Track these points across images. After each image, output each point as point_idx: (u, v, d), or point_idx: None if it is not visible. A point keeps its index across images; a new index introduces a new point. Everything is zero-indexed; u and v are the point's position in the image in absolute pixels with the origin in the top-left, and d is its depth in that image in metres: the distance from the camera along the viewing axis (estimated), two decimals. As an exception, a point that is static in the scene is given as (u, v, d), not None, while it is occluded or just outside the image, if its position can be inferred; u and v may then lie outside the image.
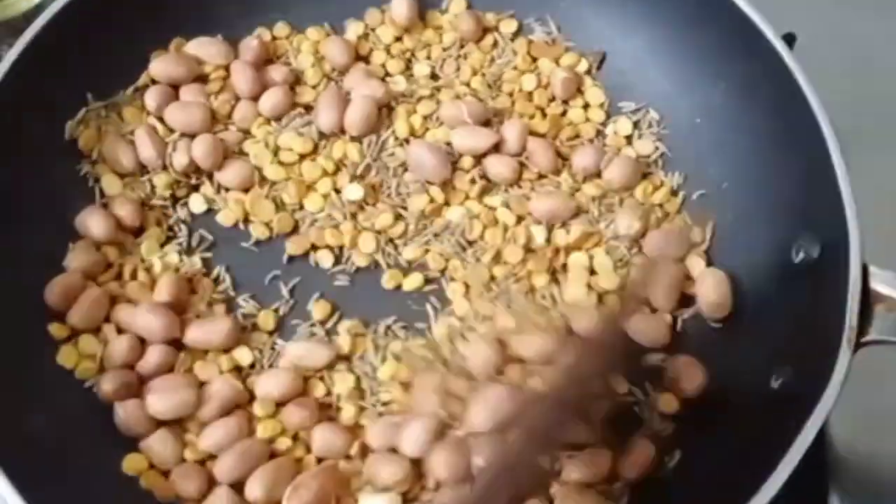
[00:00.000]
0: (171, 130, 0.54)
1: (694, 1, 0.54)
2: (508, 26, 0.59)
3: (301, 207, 0.53)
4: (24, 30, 0.61)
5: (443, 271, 0.52)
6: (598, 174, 0.54)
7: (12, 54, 0.50)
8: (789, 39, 0.55)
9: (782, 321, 0.48)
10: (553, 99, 0.56)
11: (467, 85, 0.56)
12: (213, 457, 0.46)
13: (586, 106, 0.57)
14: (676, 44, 0.56)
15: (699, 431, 0.48)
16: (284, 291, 0.51)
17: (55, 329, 0.48)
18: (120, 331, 0.49)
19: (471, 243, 0.52)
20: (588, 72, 0.58)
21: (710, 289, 0.50)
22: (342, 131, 0.54)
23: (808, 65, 0.50)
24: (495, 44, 0.58)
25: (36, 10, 0.64)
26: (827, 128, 0.48)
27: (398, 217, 0.53)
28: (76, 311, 0.48)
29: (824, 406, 0.42)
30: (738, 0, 0.51)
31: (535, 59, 0.58)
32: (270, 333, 0.50)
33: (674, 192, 0.55)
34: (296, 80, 0.56)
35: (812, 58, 0.51)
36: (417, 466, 0.45)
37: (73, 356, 0.48)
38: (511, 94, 0.56)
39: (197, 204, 0.53)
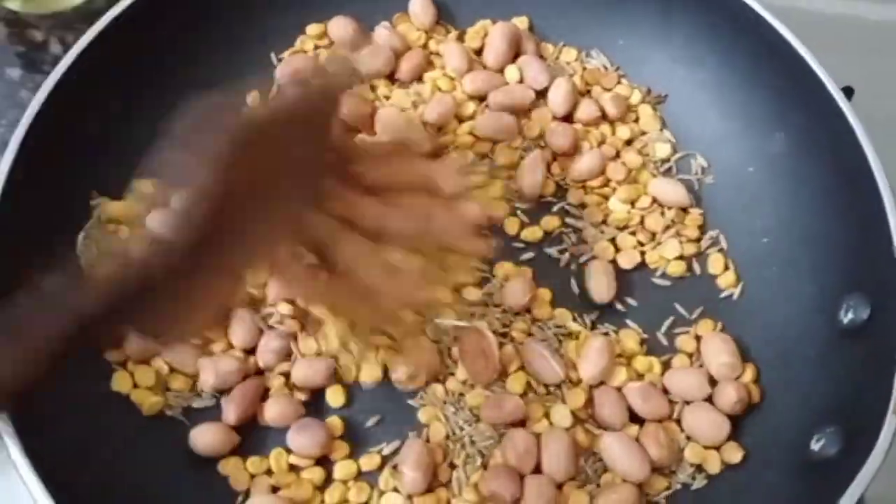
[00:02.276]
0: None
1: (756, 48, 0.54)
2: (568, 55, 0.59)
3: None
4: (73, 23, 0.63)
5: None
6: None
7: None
8: (847, 93, 0.55)
9: (826, 381, 0.48)
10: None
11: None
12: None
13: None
14: (736, 89, 0.56)
15: (735, 491, 0.48)
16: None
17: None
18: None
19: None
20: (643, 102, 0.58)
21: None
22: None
23: (865, 120, 0.50)
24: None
25: (87, 4, 0.65)
26: (884, 185, 0.48)
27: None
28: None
29: (866, 474, 0.42)
30: (802, 51, 0.51)
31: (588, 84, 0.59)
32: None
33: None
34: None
35: (869, 112, 0.51)
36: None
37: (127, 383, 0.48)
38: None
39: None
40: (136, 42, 0.53)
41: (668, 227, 0.54)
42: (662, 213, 0.54)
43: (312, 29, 0.58)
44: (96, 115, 0.52)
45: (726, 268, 0.53)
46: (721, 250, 0.54)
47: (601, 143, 0.56)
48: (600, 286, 0.51)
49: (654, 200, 0.55)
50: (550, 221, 0.54)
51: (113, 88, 0.53)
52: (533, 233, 0.54)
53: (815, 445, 0.46)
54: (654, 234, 0.54)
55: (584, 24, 0.59)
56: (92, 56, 0.51)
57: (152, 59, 0.54)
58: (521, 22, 0.59)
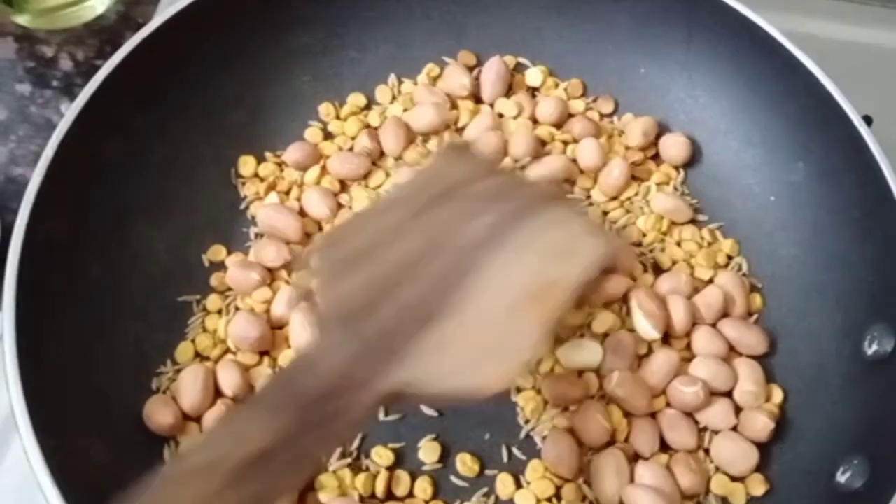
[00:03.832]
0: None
1: (777, 76, 0.55)
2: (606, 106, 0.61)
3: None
4: (83, 39, 0.63)
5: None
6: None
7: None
8: (866, 121, 0.57)
9: (852, 411, 0.49)
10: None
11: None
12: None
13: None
14: (758, 117, 0.57)
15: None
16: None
17: None
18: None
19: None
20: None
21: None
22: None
23: (884, 147, 0.51)
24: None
25: (98, 20, 0.66)
26: (906, 215, 0.49)
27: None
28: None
29: (894, 505, 0.43)
30: (823, 79, 0.53)
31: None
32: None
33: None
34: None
35: (887, 140, 0.52)
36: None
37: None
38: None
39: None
40: (164, 61, 0.54)
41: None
42: (701, 236, 0.56)
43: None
44: (122, 134, 0.52)
45: (752, 290, 0.55)
46: (745, 275, 0.55)
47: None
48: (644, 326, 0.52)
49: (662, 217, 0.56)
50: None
51: (139, 107, 0.53)
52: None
53: (841, 478, 0.47)
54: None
55: (606, 53, 0.60)
56: (121, 75, 0.51)
57: (179, 77, 0.55)
58: (574, 87, 0.61)
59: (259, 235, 0.55)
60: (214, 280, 0.53)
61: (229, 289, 0.53)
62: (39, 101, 0.64)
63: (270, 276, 0.53)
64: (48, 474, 0.41)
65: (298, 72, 0.60)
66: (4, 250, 0.54)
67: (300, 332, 0.50)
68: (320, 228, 0.55)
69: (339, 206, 0.56)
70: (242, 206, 0.57)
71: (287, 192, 0.56)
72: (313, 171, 0.56)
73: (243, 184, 0.57)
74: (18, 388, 0.43)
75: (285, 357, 0.51)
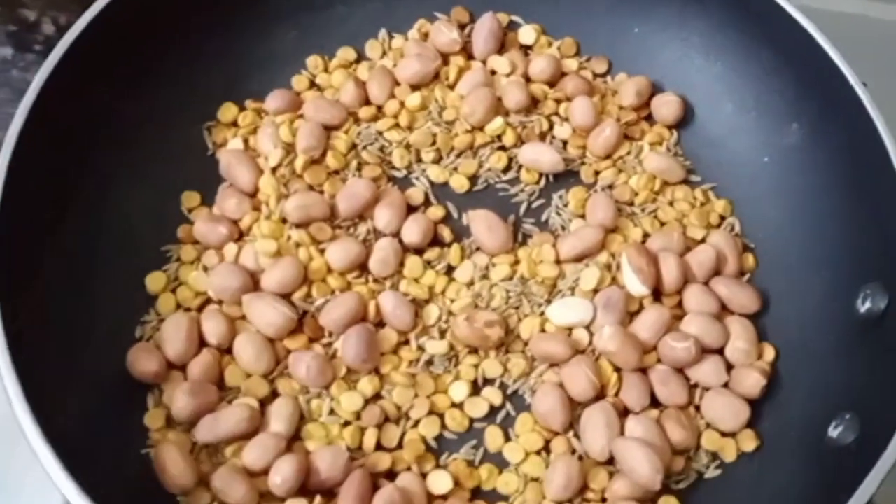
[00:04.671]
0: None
1: (773, 38, 0.56)
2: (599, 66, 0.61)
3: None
4: (66, 4, 0.63)
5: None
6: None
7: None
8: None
9: (844, 368, 0.49)
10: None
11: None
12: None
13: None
14: (752, 80, 0.57)
15: (749, 480, 0.49)
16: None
17: None
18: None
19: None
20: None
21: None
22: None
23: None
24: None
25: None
26: (903, 175, 0.49)
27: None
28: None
29: (885, 463, 0.43)
30: (821, 40, 0.53)
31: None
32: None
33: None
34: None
35: (880, 109, 0.53)
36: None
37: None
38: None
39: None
40: (135, 21, 0.53)
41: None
42: (694, 196, 0.56)
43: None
44: (104, 86, 0.52)
45: (744, 250, 0.55)
46: (738, 235, 0.55)
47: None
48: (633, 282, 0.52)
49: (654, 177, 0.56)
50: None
51: (121, 61, 0.53)
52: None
53: (833, 432, 0.47)
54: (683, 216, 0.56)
55: (600, 12, 0.60)
56: (91, 35, 0.51)
57: (152, 38, 0.55)
58: (567, 46, 0.61)
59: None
60: (181, 232, 0.53)
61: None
62: (21, 65, 0.64)
63: (238, 228, 0.53)
64: (29, 415, 0.41)
65: (285, 27, 0.59)
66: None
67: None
68: (273, 171, 0.54)
69: (289, 148, 0.55)
70: (209, 152, 0.56)
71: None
72: (285, 116, 0.56)
73: (209, 130, 0.57)
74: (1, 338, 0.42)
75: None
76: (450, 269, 0.54)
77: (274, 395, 0.49)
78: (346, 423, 0.48)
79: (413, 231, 0.53)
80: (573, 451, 0.49)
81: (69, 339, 0.47)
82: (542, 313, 0.52)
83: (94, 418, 0.46)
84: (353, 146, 0.56)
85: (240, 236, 0.53)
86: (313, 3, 0.60)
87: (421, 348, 0.51)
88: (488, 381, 0.51)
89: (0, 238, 0.45)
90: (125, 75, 0.53)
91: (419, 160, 0.57)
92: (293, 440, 0.48)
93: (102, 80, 0.52)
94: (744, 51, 0.58)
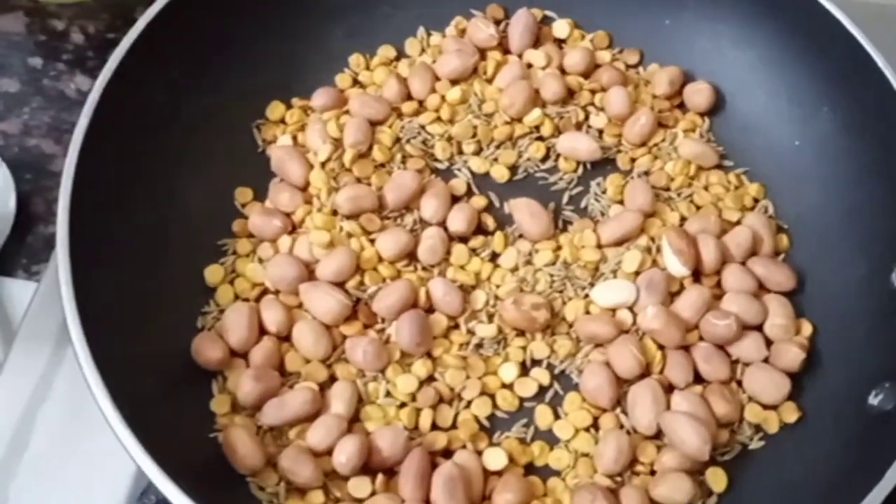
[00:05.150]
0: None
1: (803, 25, 0.57)
2: (632, 57, 0.63)
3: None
4: (95, 13, 0.65)
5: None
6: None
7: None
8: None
9: (881, 340, 0.51)
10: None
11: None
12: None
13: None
14: (784, 69, 0.59)
15: (793, 450, 0.50)
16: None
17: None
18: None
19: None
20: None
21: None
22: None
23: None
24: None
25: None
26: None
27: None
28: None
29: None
30: (853, 29, 0.55)
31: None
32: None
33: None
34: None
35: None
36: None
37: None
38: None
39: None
40: (187, 24, 0.55)
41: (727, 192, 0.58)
42: (728, 181, 0.58)
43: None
44: (161, 87, 0.54)
45: (778, 231, 0.57)
46: (771, 217, 0.57)
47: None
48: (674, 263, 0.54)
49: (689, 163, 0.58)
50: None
51: (175, 63, 0.55)
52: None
53: (874, 400, 0.49)
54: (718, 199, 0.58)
55: (631, 5, 0.63)
56: (147, 37, 0.53)
57: (203, 40, 0.57)
58: (600, 39, 0.63)
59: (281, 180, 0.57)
60: (236, 226, 0.55)
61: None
62: (52, 74, 0.65)
63: (291, 221, 0.55)
64: (109, 400, 0.43)
65: (331, 28, 0.61)
66: (20, 216, 0.57)
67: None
68: (323, 166, 0.56)
69: (337, 143, 0.57)
70: (260, 150, 0.58)
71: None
72: (332, 113, 0.58)
73: (258, 128, 0.59)
74: (78, 328, 0.45)
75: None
76: (494, 256, 0.55)
77: (332, 379, 0.51)
78: (402, 405, 0.50)
79: (458, 220, 0.55)
80: (621, 427, 0.51)
81: (138, 327, 0.49)
82: (587, 296, 0.54)
83: (164, 403, 0.48)
84: (398, 140, 0.58)
85: (293, 229, 0.55)
86: (361, 4, 0.62)
87: (471, 332, 0.53)
88: (536, 362, 0.53)
89: (71, 226, 0.47)
90: (180, 77, 0.56)
91: (460, 152, 0.59)
92: (353, 422, 0.50)
93: (158, 83, 0.54)
94: (774, 39, 0.60)
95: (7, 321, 0.56)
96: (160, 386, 0.49)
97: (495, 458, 0.49)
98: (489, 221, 0.56)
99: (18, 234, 0.59)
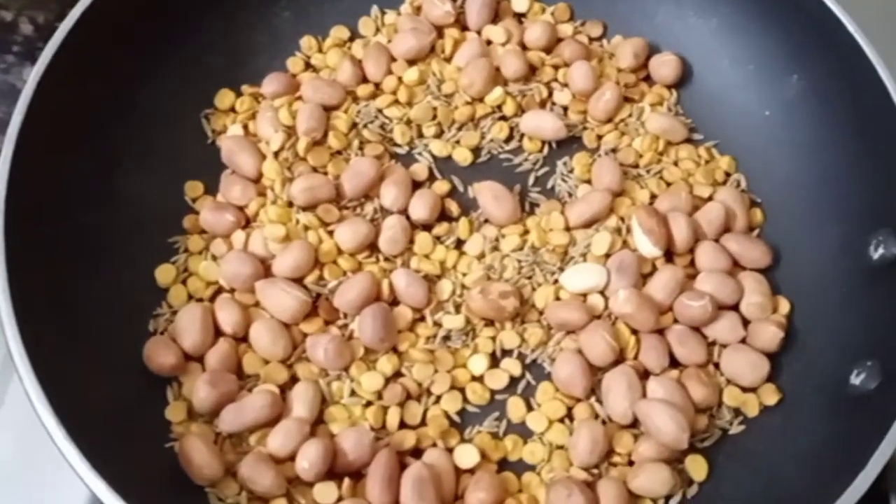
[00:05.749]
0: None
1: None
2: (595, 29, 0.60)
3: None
4: (44, 3, 0.62)
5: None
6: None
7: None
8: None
9: (861, 317, 0.49)
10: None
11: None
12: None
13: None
14: (749, 35, 0.57)
15: (773, 434, 0.49)
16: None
17: None
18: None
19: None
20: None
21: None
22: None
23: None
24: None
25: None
26: (909, 120, 0.49)
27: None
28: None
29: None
30: (818, -9, 0.53)
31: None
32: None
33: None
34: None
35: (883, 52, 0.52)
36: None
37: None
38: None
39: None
40: (124, 13, 0.52)
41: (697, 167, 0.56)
42: (698, 155, 0.56)
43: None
44: (100, 78, 0.51)
45: (752, 205, 0.55)
46: (744, 191, 0.55)
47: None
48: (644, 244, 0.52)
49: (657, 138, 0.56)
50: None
51: (116, 51, 0.52)
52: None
53: (856, 380, 0.47)
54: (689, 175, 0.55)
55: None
56: (82, 29, 0.50)
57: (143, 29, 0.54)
58: (561, 11, 0.60)
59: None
60: (187, 222, 0.53)
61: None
62: (1, 67, 0.62)
63: (244, 215, 0.52)
64: (53, 416, 0.40)
65: (280, 9, 0.59)
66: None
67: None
68: (276, 156, 0.53)
69: (290, 131, 0.54)
70: (209, 140, 0.55)
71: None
72: (284, 99, 0.55)
73: (207, 118, 0.56)
74: (17, 339, 0.42)
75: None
76: (459, 243, 0.53)
77: (293, 380, 0.49)
78: (368, 404, 0.48)
79: (420, 207, 0.53)
80: (596, 416, 0.49)
81: (84, 335, 0.47)
82: (556, 281, 0.52)
83: (115, 414, 0.46)
84: (354, 125, 0.55)
85: (247, 223, 0.52)
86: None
87: (437, 324, 0.51)
88: (506, 353, 0.51)
89: (6, 232, 0.44)
90: (119, 67, 0.53)
91: (420, 135, 0.56)
92: (316, 424, 0.47)
93: (96, 74, 0.51)
94: (738, 5, 0.57)
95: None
96: (111, 396, 0.46)
97: (467, 456, 0.47)
98: (453, 207, 0.54)
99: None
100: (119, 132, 0.52)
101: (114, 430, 0.45)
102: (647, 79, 0.59)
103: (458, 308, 0.51)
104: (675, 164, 0.56)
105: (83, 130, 0.51)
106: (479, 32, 0.59)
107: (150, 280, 0.51)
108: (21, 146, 0.46)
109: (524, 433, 0.49)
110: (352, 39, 0.59)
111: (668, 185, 0.55)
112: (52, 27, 0.62)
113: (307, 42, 0.58)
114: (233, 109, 0.56)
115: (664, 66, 0.58)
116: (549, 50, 0.59)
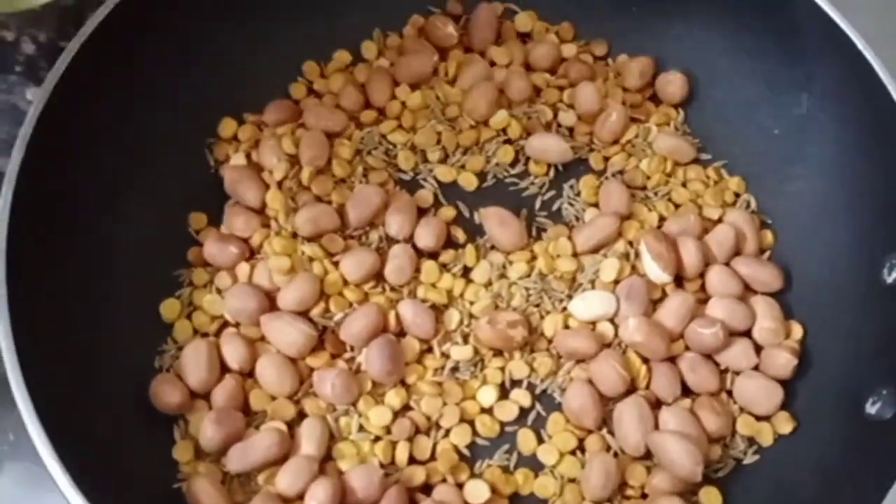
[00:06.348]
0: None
1: (775, 6, 0.54)
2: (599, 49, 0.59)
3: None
4: (45, 21, 0.61)
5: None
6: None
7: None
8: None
9: (876, 342, 0.48)
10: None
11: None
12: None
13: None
14: (757, 53, 0.56)
15: (788, 462, 0.48)
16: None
17: None
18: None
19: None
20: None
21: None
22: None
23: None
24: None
25: (56, 2, 0.63)
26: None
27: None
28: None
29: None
30: (823, 4, 0.51)
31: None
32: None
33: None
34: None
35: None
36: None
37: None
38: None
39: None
40: (125, 40, 0.51)
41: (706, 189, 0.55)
42: (707, 175, 0.55)
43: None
44: (101, 106, 0.50)
45: (762, 226, 0.54)
46: (754, 212, 0.54)
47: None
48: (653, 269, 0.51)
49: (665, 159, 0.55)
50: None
51: (116, 79, 0.51)
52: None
53: (871, 409, 0.46)
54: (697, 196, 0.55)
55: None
56: (84, 56, 0.49)
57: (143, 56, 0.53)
58: (565, 31, 0.60)
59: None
60: (191, 255, 0.52)
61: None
62: (3, 87, 0.61)
63: (248, 246, 0.51)
64: (55, 459, 0.40)
65: (282, 34, 0.57)
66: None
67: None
68: (279, 185, 0.52)
69: (294, 160, 0.53)
70: (212, 170, 0.54)
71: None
72: (286, 127, 0.54)
73: (210, 147, 0.55)
74: (19, 377, 0.41)
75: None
76: (466, 271, 0.52)
77: (301, 415, 0.48)
78: (377, 439, 0.48)
79: (426, 235, 0.52)
80: (608, 448, 0.48)
81: (88, 374, 0.46)
82: (565, 309, 0.51)
83: (122, 455, 0.45)
84: (358, 152, 0.55)
85: (251, 254, 0.51)
86: (312, 5, 0.57)
87: (445, 355, 0.50)
88: (516, 383, 0.50)
89: (8, 266, 0.43)
90: (120, 95, 0.52)
91: (425, 160, 0.55)
92: (325, 461, 0.47)
93: (98, 101, 0.50)
94: (746, 23, 0.56)
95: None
96: (116, 435, 0.46)
97: (477, 491, 0.47)
98: (459, 234, 0.53)
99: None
100: (122, 162, 0.51)
101: (122, 470, 0.44)
102: (654, 98, 0.58)
103: (465, 338, 0.50)
104: (684, 184, 0.55)
105: (86, 159, 0.50)
106: (482, 53, 0.58)
107: (155, 314, 0.50)
108: (22, 180, 0.45)
109: (535, 466, 0.48)
110: (354, 63, 0.58)
111: (677, 206, 0.55)
112: (55, 46, 0.62)
113: (309, 67, 0.57)
114: (235, 138, 0.55)
115: (671, 85, 0.57)
116: (553, 70, 0.58)
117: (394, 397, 0.48)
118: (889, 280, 0.49)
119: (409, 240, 0.52)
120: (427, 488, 0.47)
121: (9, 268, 0.44)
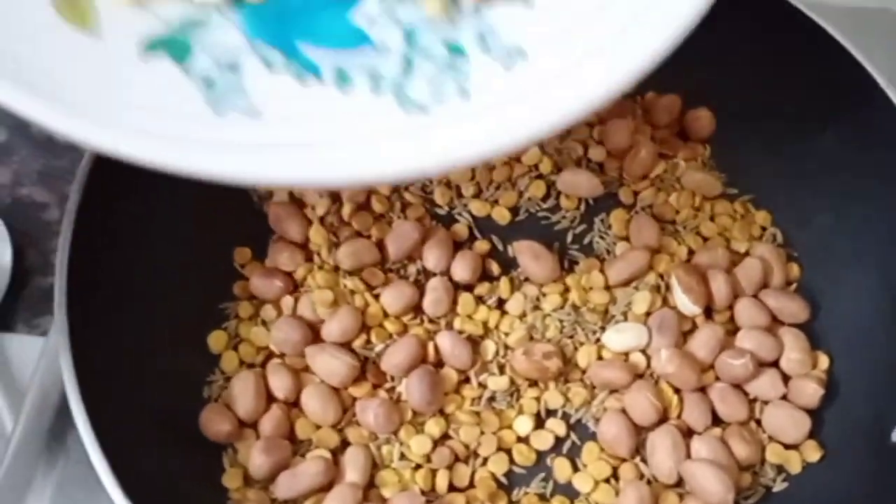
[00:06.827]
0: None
1: (799, 45, 0.56)
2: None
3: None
4: None
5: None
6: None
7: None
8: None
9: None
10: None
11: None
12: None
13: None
14: (783, 86, 0.57)
15: (815, 490, 0.49)
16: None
17: None
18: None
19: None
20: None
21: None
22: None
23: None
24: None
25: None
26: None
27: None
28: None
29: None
30: (845, 42, 0.53)
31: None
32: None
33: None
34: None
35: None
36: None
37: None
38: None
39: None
40: None
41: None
42: (734, 209, 0.57)
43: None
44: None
45: (788, 259, 0.56)
46: (780, 245, 0.56)
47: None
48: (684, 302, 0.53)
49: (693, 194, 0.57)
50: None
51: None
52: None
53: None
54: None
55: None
56: None
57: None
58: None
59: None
60: (237, 288, 0.54)
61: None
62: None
63: (292, 280, 0.53)
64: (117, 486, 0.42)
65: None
66: (16, 267, 0.55)
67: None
68: (322, 221, 0.54)
69: (333, 197, 0.55)
70: (256, 206, 0.56)
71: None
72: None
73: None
74: (83, 415, 0.43)
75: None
76: (501, 303, 0.54)
77: (344, 444, 0.50)
78: (418, 467, 0.49)
79: (462, 268, 0.54)
80: (641, 476, 0.49)
81: (140, 405, 0.48)
82: (598, 340, 0.53)
83: (172, 482, 0.47)
84: (395, 188, 0.57)
85: (295, 288, 0.53)
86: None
87: (482, 385, 0.51)
88: (551, 413, 0.52)
89: (69, 311, 0.45)
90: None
91: (460, 195, 0.57)
92: (368, 488, 0.48)
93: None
94: (770, 60, 0.58)
95: (11, 378, 0.54)
96: (167, 463, 0.47)
97: (516, 518, 0.48)
98: (493, 266, 0.55)
99: (15, 287, 0.57)
100: (171, 193, 0.53)
101: (171, 495, 0.46)
102: (681, 133, 0.60)
103: (501, 369, 0.52)
104: (712, 218, 0.57)
105: (141, 193, 0.51)
106: (514, 92, 0.60)
107: (204, 345, 0.52)
108: (81, 213, 0.48)
109: (570, 494, 0.50)
110: (391, 102, 0.60)
111: (706, 240, 0.56)
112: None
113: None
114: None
115: (698, 122, 0.59)
116: (583, 108, 0.59)
117: (433, 426, 0.50)
118: (913, 311, 0.50)
119: (446, 273, 0.54)
120: (467, 515, 0.48)
121: (70, 313, 0.46)
